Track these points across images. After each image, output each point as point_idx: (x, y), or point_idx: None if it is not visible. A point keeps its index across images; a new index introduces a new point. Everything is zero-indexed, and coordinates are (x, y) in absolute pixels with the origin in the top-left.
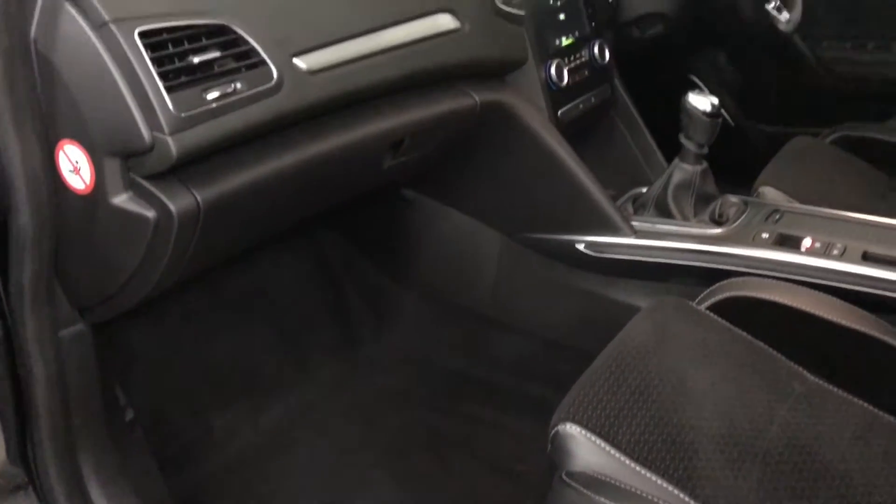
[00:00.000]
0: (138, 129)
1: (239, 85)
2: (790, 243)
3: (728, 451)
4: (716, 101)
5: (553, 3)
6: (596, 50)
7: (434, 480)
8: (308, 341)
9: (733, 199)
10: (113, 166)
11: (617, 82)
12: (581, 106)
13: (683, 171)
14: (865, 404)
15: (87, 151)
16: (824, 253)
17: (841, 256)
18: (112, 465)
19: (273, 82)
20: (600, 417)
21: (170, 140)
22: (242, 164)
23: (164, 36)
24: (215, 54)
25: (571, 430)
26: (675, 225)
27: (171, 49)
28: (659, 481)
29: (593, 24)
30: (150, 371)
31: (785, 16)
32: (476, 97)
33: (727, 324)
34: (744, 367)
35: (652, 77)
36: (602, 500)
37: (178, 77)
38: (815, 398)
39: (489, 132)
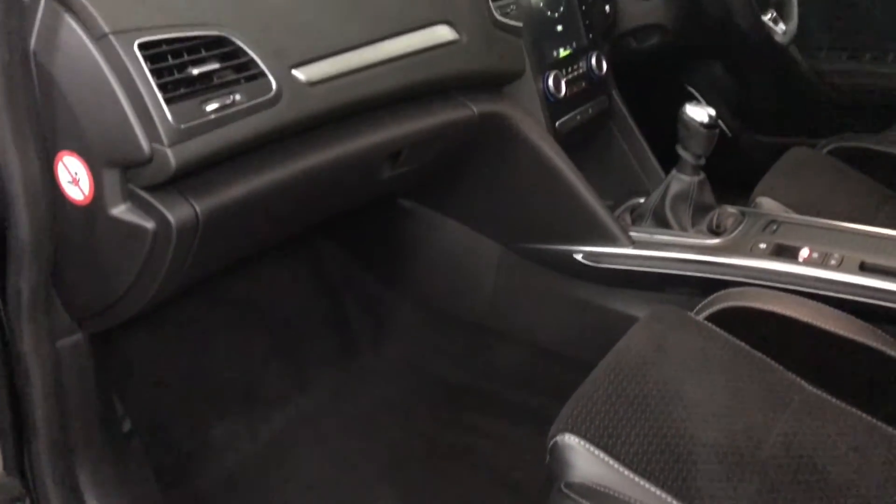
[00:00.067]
0: (137, 141)
1: (238, 96)
2: (787, 254)
3: (727, 461)
4: (713, 112)
5: (551, 15)
6: (593, 61)
7: (433, 491)
8: (306, 351)
9: (731, 209)
10: (112, 177)
11: (614, 93)
12: (579, 117)
13: (681, 181)
14: (864, 415)
15: (87, 163)
16: (822, 263)
17: (838, 267)
18: (109, 476)
19: (272, 94)
20: (599, 428)
21: (169, 151)
22: (241, 175)
23: (164, 48)
24: (214, 66)
25: (570, 440)
26: (673, 235)
27: (170, 61)
28: (658, 492)
29: (590, 35)
30: (148, 381)
31: (781, 27)
32: (474, 108)
33: (725, 334)
34: (742, 377)
35: (649, 88)
36: None
37: (178, 88)
38: (814, 409)
39: (487, 143)
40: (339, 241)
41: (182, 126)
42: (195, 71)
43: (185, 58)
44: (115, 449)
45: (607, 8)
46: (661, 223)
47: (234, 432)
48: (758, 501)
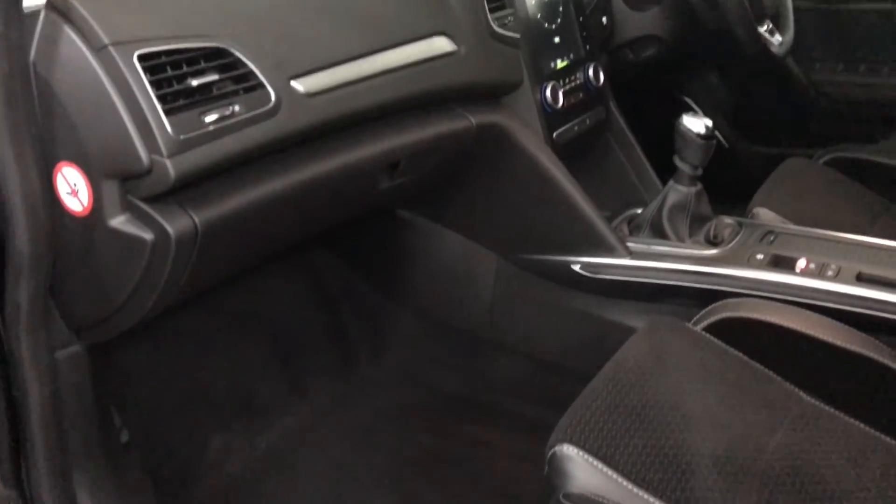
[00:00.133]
0: (136, 152)
1: (237, 107)
2: (785, 264)
3: (725, 472)
4: (710, 123)
5: (548, 27)
6: (591, 72)
7: (431, 502)
8: (304, 362)
9: (728, 220)
10: (111, 188)
11: (612, 104)
12: (576, 128)
13: (678, 192)
14: (862, 425)
15: (86, 174)
16: (819, 274)
17: (835, 277)
18: (107, 487)
19: (271, 105)
20: (598, 439)
21: (168, 163)
22: (240, 186)
23: (163, 59)
24: (214, 77)
25: (569, 451)
26: (671, 246)
27: (169, 72)
28: (656, 502)
29: (588, 46)
30: (146, 392)
31: (778, 39)
32: (472, 119)
33: (723, 345)
34: (740, 388)
35: (646, 99)
36: None
37: (177, 100)
38: (812, 419)
39: (485, 154)
40: (337, 252)
41: (181, 137)
42: (194, 82)
43: (185, 69)
44: (112, 460)
45: (604, 19)
46: (659, 234)
47: (232, 443)
48: None
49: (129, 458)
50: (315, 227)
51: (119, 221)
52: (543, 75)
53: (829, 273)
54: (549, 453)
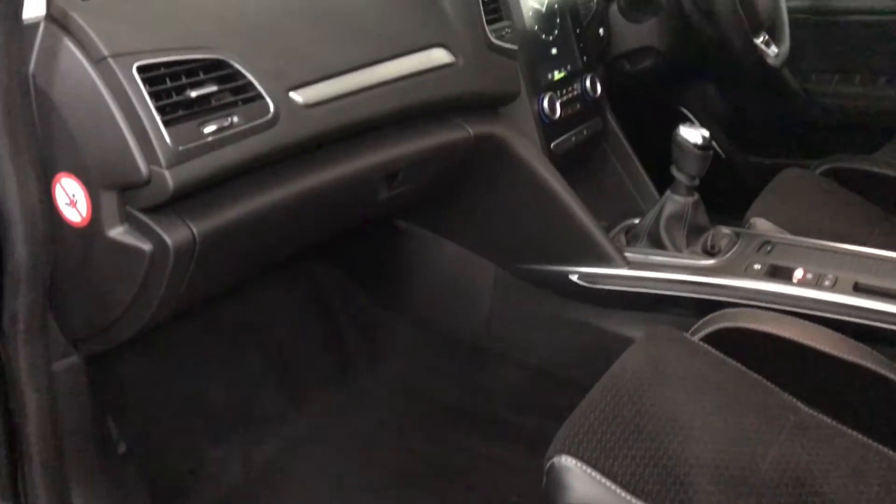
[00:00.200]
0: (135, 163)
1: (236, 118)
2: (782, 274)
3: (723, 483)
4: (706, 133)
5: (545, 38)
6: (588, 83)
7: None
8: (302, 372)
9: (725, 230)
10: (109, 199)
11: (609, 115)
12: (573, 138)
13: (675, 202)
14: (859, 435)
15: (84, 185)
16: (816, 284)
17: (832, 287)
18: (104, 498)
19: (269, 116)
20: (596, 450)
21: (167, 173)
22: (239, 196)
23: (162, 70)
24: (212, 88)
25: (567, 462)
26: (668, 256)
27: (168, 83)
28: None
29: (585, 58)
30: (143, 404)
31: (774, 50)
32: (470, 129)
33: (721, 355)
34: (738, 398)
35: (643, 110)
36: None
37: (176, 111)
38: (810, 430)
39: (483, 164)
40: (335, 262)
41: (180, 148)
42: (193, 93)
43: (184, 80)
44: (109, 471)
45: (601, 31)
46: (656, 244)
47: (229, 454)
48: None
49: (126, 469)
50: (313, 237)
51: (117, 232)
52: (541, 86)
53: (827, 283)
54: (548, 464)
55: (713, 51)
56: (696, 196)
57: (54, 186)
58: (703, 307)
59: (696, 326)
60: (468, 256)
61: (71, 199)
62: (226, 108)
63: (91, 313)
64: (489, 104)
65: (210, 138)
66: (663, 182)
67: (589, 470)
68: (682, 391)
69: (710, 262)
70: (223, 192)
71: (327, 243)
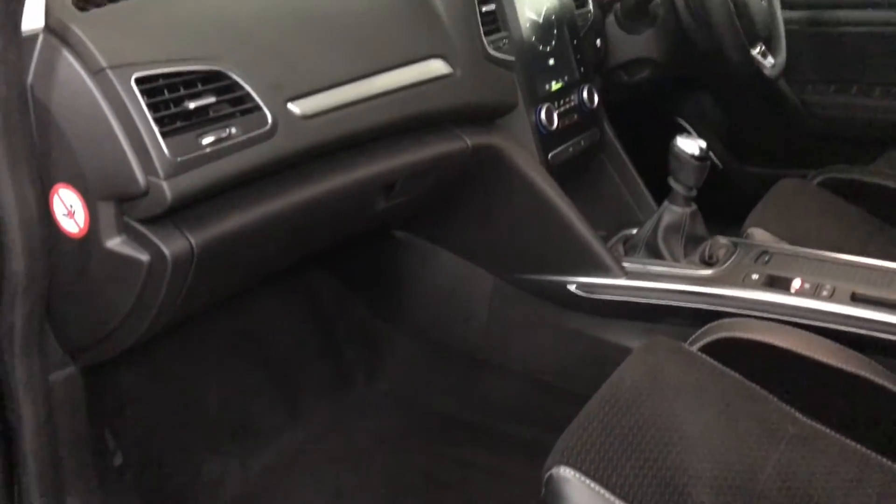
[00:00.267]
0: (133, 174)
1: (234, 130)
2: (780, 284)
3: (722, 493)
4: (703, 144)
5: (542, 49)
6: (585, 94)
7: None
8: (299, 383)
9: (723, 240)
10: (107, 210)
11: (606, 126)
12: (571, 149)
13: (673, 212)
14: (858, 445)
15: (82, 195)
16: (814, 294)
17: (830, 297)
18: None
19: (267, 127)
20: (594, 460)
21: (164, 184)
22: (236, 207)
23: (161, 82)
24: (211, 100)
25: (565, 473)
26: (666, 266)
27: (166, 95)
28: None
29: (582, 69)
30: (140, 414)
31: (770, 61)
32: (467, 140)
33: (719, 365)
34: (737, 408)
35: (640, 120)
36: None
37: (174, 122)
38: (809, 440)
39: (481, 175)
40: (332, 273)
41: (178, 159)
42: (191, 105)
43: (182, 92)
44: (106, 483)
45: (598, 42)
46: (654, 254)
47: (226, 465)
48: None
49: (122, 480)
50: (311, 248)
51: (115, 243)
52: (538, 97)
53: (824, 293)
54: (546, 475)
55: (710, 62)
56: (694, 206)
57: (52, 197)
58: (702, 317)
59: (694, 336)
60: (466, 267)
61: (68, 209)
62: (224, 120)
63: (88, 324)
64: (487, 115)
65: (208, 149)
66: (661, 192)
67: (587, 481)
68: (680, 402)
69: (708, 272)
70: (221, 203)
71: (325, 254)
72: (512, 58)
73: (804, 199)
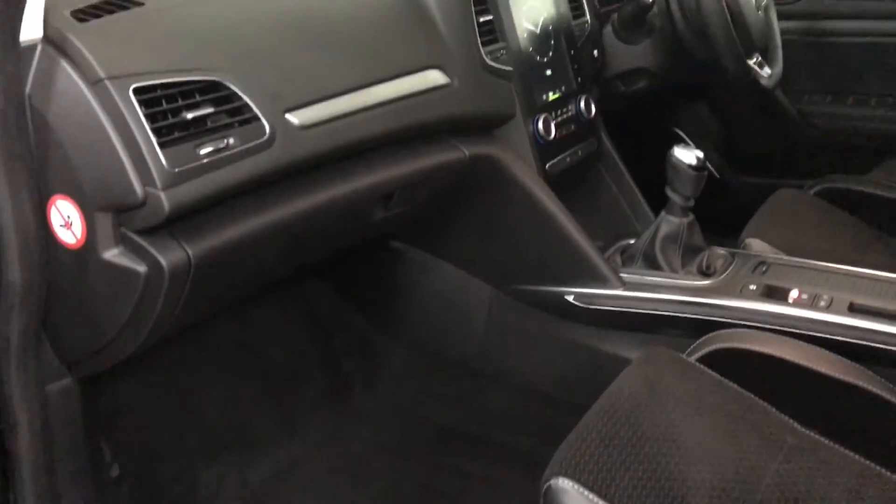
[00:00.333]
0: (131, 185)
1: (231, 140)
2: (777, 295)
3: None
4: (701, 154)
5: (540, 60)
6: (582, 104)
7: None
8: (297, 394)
9: (720, 250)
10: (105, 221)
11: (603, 136)
12: (568, 159)
13: (670, 223)
14: (856, 456)
15: (80, 206)
16: (811, 304)
17: (828, 308)
18: None
19: (265, 137)
20: (593, 471)
21: (162, 195)
22: (234, 218)
23: (159, 92)
24: (209, 110)
25: (564, 484)
26: (664, 276)
27: (164, 105)
28: None
29: (579, 79)
30: (137, 426)
31: (767, 71)
32: (465, 150)
33: (718, 376)
34: (735, 419)
35: (638, 131)
36: None
37: (172, 133)
38: (807, 451)
39: (478, 185)
40: (330, 283)
41: (176, 170)
42: (189, 115)
43: (180, 102)
44: (102, 495)
45: (595, 52)
46: (652, 264)
47: (223, 477)
48: None
49: (118, 492)
50: (309, 258)
51: (112, 254)
52: (535, 107)
53: (822, 303)
54: (544, 487)
55: (706, 72)
56: (691, 217)
57: (49, 208)
58: (699, 328)
59: (692, 347)
60: (464, 277)
61: (66, 220)
62: (222, 130)
63: (85, 335)
64: (484, 125)
65: (206, 160)
66: (658, 202)
67: (586, 492)
68: (678, 412)
69: (706, 282)
70: (219, 214)
71: (323, 264)
72: (509, 68)
73: (801, 209)
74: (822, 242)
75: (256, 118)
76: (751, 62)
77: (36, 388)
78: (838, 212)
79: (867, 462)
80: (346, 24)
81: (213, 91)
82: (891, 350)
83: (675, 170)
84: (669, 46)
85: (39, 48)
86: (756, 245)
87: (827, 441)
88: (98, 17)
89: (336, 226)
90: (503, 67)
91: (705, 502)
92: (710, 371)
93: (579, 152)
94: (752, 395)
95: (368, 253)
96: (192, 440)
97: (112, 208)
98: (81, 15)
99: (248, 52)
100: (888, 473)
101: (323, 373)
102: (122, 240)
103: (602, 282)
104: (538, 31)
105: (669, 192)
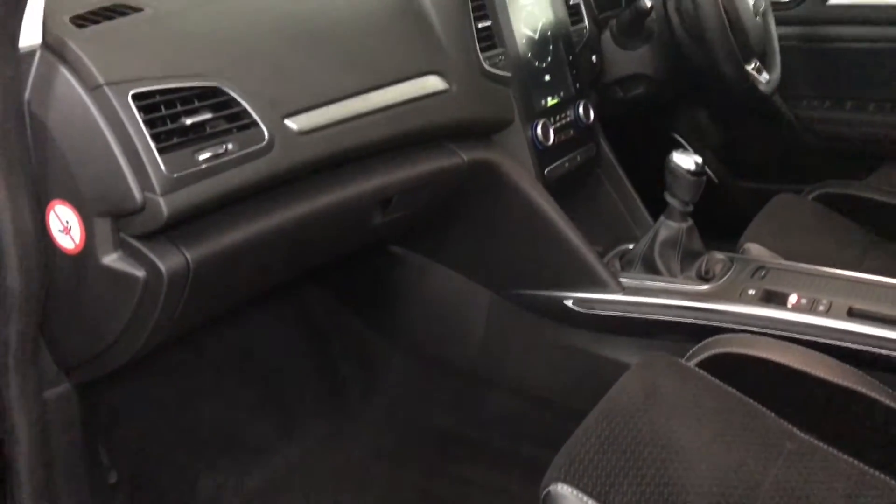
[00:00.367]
0: (130, 190)
1: (230, 146)
2: (776, 299)
3: None
4: (699, 159)
5: (538, 65)
6: (581, 110)
7: None
8: (295, 399)
9: (719, 255)
10: (103, 226)
11: (602, 141)
12: (567, 164)
13: (669, 228)
14: (855, 461)
15: (78, 211)
16: (810, 309)
17: (827, 313)
18: None
19: (264, 143)
20: (592, 477)
21: (161, 200)
22: (233, 223)
23: (158, 98)
24: (207, 116)
25: (563, 490)
26: (663, 281)
27: (163, 111)
28: None
29: (578, 84)
30: (134, 431)
31: (765, 77)
32: (463, 156)
33: (717, 381)
34: (734, 424)
35: (636, 136)
36: None
37: (171, 138)
38: (806, 455)
39: (477, 190)
40: (328, 288)
41: (175, 175)
42: (188, 121)
43: (179, 108)
44: (100, 501)
45: (594, 58)
46: (651, 269)
47: (221, 483)
48: None
49: (117, 498)
50: (308, 263)
51: (111, 259)
52: (534, 113)
53: (821, 308)
54: (544, 493)
55: (705, 78)
56: (690, 222)
57: (48, 213)
58: (698, 332)
59: (691, 352)
60: (462, 282)
61: (65, 226)
62: (220, 136)
63: (83, 341)
64: (483, 131)
65: (204, 165)
66: (657, 207)
67: (585, 498)
68: (678, 417)
69: (705, 287)
70: (217, 219)
71: (321, 269)
72: (508, 74)
73: (800, 214)
74: (820, 247)
75: (255, 124)
76: (749, 68)
77: (34, 393)
78: (837, 217)
79: (866, 467)
80: (344, 30)
81: (211, 97)
82: (890, 355)
83: (673, 175)
84: (668, 52)
85: (38, 54)
86: (755, 250)
87: (826, 446)
88: (97, 23)
89: (334, 231)
90: (502, 73)
91: None
92: (709, 376)
93: (578, 158)
94: (751, 400)
95: (367, 258)
96: (190, 446)
97: (111, 214)
98: (80, 21)
99: (247, 57)
100: (887, 478)
101: (321, 379)
102: (120, 245)
103: (601, 287)
104: (537, 36)
105: (668, 198)
